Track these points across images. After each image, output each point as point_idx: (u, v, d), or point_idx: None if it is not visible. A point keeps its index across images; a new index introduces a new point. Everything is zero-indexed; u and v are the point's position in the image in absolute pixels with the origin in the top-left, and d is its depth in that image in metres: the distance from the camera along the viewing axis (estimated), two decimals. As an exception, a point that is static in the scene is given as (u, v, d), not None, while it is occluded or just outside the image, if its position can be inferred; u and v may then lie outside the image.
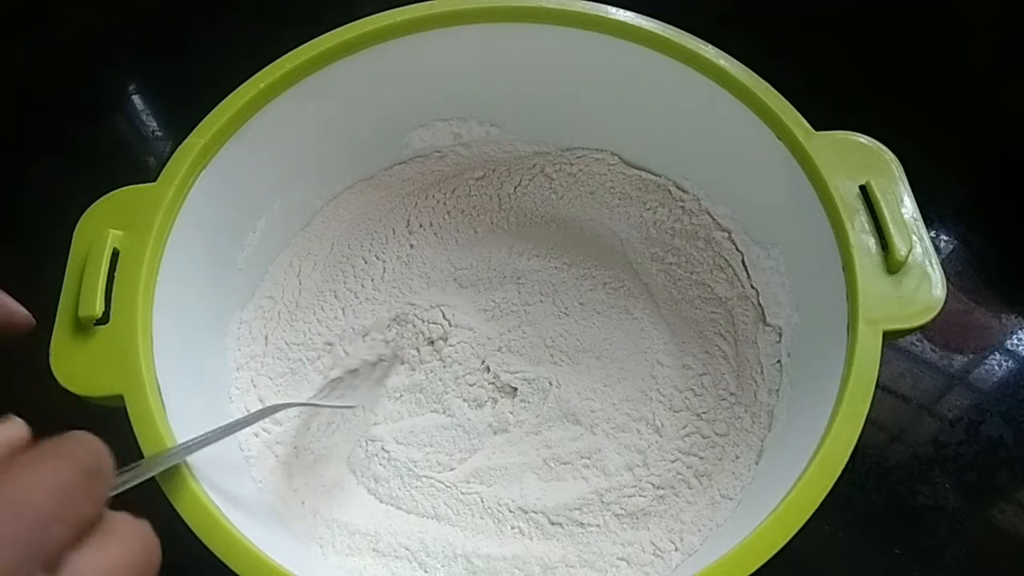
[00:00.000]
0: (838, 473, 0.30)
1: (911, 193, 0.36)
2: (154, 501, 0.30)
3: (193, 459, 0.31)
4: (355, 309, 0.44)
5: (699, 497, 0.39)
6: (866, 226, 0.35)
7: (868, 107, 0.53)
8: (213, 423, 0.38)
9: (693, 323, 0.43)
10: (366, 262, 0.46)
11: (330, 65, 0.40)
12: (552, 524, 0.38)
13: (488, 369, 0.43)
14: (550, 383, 0.42)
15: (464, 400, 0.42)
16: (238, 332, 0.43)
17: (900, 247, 0.33)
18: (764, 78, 0.38)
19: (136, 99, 0.56)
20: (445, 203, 0.48)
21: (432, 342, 0.44)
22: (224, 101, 0.38)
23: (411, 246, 0.47)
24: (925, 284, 0.33)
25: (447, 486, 0.40)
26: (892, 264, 0.34)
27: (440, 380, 0.42)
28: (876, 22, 0.59)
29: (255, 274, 0.44)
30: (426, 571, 0.37)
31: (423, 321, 0.44)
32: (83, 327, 0.33)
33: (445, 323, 0.44)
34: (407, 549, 0.38)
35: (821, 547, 0.41)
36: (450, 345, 0.43)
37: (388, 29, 0.40)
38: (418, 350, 0.43)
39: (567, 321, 0.44)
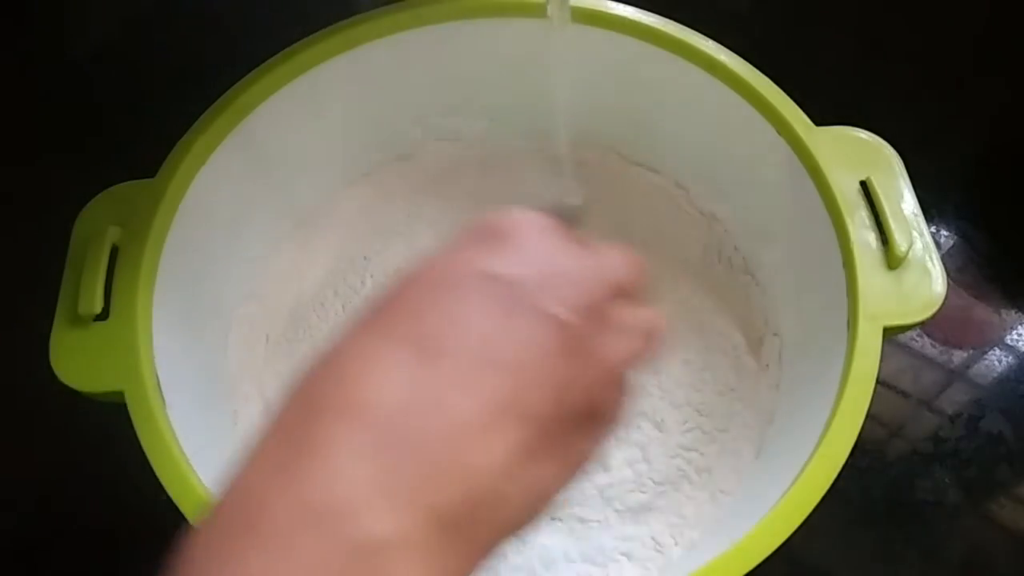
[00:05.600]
0: (838, 468, 0.30)
1: (911, 189, 0.36)
2: (156, 499, 0.30)
3: (196, 458, 0.31)
4: (355, 306, 0.44)
5: (699, 492, 0.39)
6: (866, 222, 0.35)
7: (869, 102, 0.53)
8: (214, 419, 0.38)
9: (693, 318, 0.43)
10: (366, 258, 0.46)
11: (328, 61, 0.40)
12: (553, 519, 0.38)
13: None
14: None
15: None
16: (239, 328, 0.43)
17: (900, 243, 0.33)
18: (764, 73, 0.38)
19: (135, 94, 0.56)
20: (445, 198, 0.48)
21: None
22: (222, 97, 0.38)
23: (411, 242, 0.46)
24: (925, 280, 0.33)
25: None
26: (892, 260, 0.34)
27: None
28: (877, 17, 0.59)
29: (255, 270, 0.44)
30: None
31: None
32: (83, 323, 0.33)
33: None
34: None
35: (821, 542, 0.41)
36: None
37: (387, 24, 0.40)
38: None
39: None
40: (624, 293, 0.22)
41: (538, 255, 0.21)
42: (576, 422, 0.20)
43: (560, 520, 0.38)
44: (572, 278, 0.21)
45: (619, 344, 0.21)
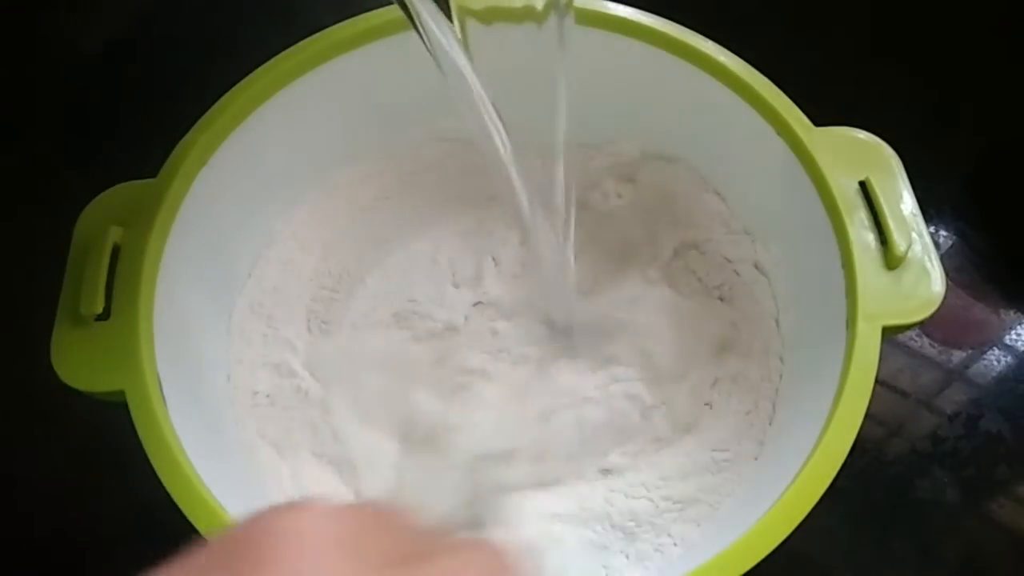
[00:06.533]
0: (837, 468, 0.30)
1: (910, 189, 0.36)
2: (157, 499, 0.30)
3: (197, 458, 0.31)
4: (356, 306, 0.44)
5: (699, 492, 0.39)
6: (865, 222, 0.35)
7: (869, 102, 0.53)
8: (214, 419, 0.38)
9: (692, 319, 0.44)
10: (366, 257, 0.46)
11: (329, 61, 0.40)
12: (554, 519, 0.39)
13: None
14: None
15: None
16: (240, 327, 0.43)
17: (899, 243, 0.34)
18: (763, 73, 0.38)
19: (136, 94, 0.56)
20: (445, 199, 0.48)
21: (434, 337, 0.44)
22: (224, 97, 0.38)
23: (410, 245, 0.47)
24: (924, 280, 0.34)
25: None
26: (891, 260, 0.34)
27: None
28: (875, 16, 0.59)
29: (256, 269, 0.44)
30: None
31: (422, 316, 0.44)
32: (84, 323, 0.33)
33: (444, 321, 0.44)
34: None
35: (819, 541, 0.41)
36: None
37: (388, 25, 0.40)
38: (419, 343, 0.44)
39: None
40: None
41: None
42: None
43: (561, 520, 0.39)
44: None
45: None
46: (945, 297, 0.33)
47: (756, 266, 0.43)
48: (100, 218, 0.35)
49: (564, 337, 0.43)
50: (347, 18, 0.40)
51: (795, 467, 0.31)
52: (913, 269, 0.34)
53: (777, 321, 0.42)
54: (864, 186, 0.35)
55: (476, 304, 0.45)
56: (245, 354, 0.42)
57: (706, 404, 0.41)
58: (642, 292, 0.45)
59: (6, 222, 0.51)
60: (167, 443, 0.31)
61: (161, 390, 0.32)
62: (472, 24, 0.40)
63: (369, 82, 0.43)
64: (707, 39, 0.39)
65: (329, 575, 0.14)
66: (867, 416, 0.31)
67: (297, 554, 0.14)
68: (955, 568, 0.41)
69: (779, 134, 0.38)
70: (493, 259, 0.46)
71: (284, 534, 0.14)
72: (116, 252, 0.34)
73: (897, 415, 0.45)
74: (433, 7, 0.28)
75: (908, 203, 0.35)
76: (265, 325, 0.43)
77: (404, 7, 0.28)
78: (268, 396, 0.41)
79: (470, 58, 0.30)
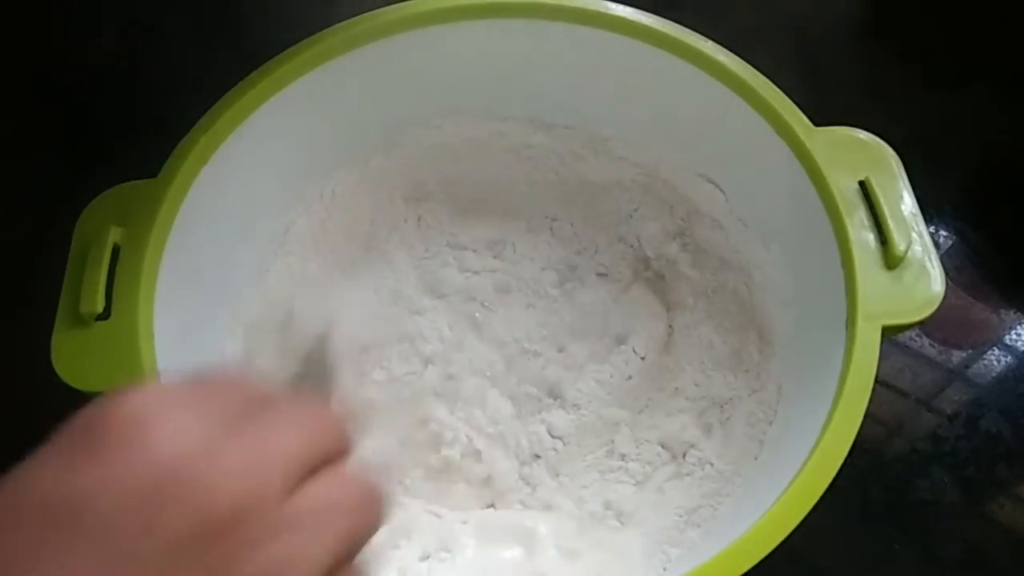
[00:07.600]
0: (837, 468, 0.30)
1: (910, 189, 0.36)
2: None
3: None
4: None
5: (698, 492, 0.39)
6: (865, 222, 0.35)
7: (869, 102, 0.53)
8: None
9: (691, 318, 0.44)
10: (367, 257, 0.46)
11: (329, 61, 0.40)
12: (558, 517, 0.39)
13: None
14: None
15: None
16: (240, 327, 0.43)
17: (899, 243, 0.34)
18: (763, 73, 0.38)
19: (136, 94, 0.56)
20: (447, 199, 0.48)
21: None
22: (224, 97, 0.38)
23: (410, 240, 0.47)
24: (924, 279, 0.34)
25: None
26: (891, 259, 0.34)
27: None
28: (875, 17, 0.59)
29: (256, 269, 0.44)
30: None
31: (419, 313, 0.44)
32: (84, 323, 0.33)
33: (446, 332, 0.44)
34: None
35: (819, 541, 0.41)
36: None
37: (388, 25, 0.40)
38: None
39: (560, 311, 0.44)
40: (314, 467, 0.17)
41: (141, 455, 0.15)
42: None
43: (564, 520, 0.39)
44: (201, 482, 0.15)
45: (293, 547, 0.16)
46: (945, 297, 0.33)
47: (755, 265, 0.43)
48: (100, 218, 0.35)
49: None
50: (346, 19, 0.40)
51: (795, 467, 0.31)
52: (913, 269, 0.34)
53: (776, 320, 0.42)
54: (864, 186, 0.35)
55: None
56: (247, 354, 0.42)
57: (706, 404, 0.41)
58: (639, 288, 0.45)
59: (7, 222, 0.51)
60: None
61: (161, 390, 0.32)
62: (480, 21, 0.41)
63: (371, 82, 0.43)
64: (707, 39, 0.39)
65: (179, 435, 0.15)
66: (867, 416, 0.31)
67: (142, 429, 0.15)
68: (955, 567, 0.41)
69: (779, 134, 0.38)
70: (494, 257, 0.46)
71: (124, 415, 0.16)
72: (116, 252, 0.34)
73: (897, 415, 0.45)
74: None
75: (908, 203, 0.35)
76: (267, 326, 0.43)
77: None
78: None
79: None
